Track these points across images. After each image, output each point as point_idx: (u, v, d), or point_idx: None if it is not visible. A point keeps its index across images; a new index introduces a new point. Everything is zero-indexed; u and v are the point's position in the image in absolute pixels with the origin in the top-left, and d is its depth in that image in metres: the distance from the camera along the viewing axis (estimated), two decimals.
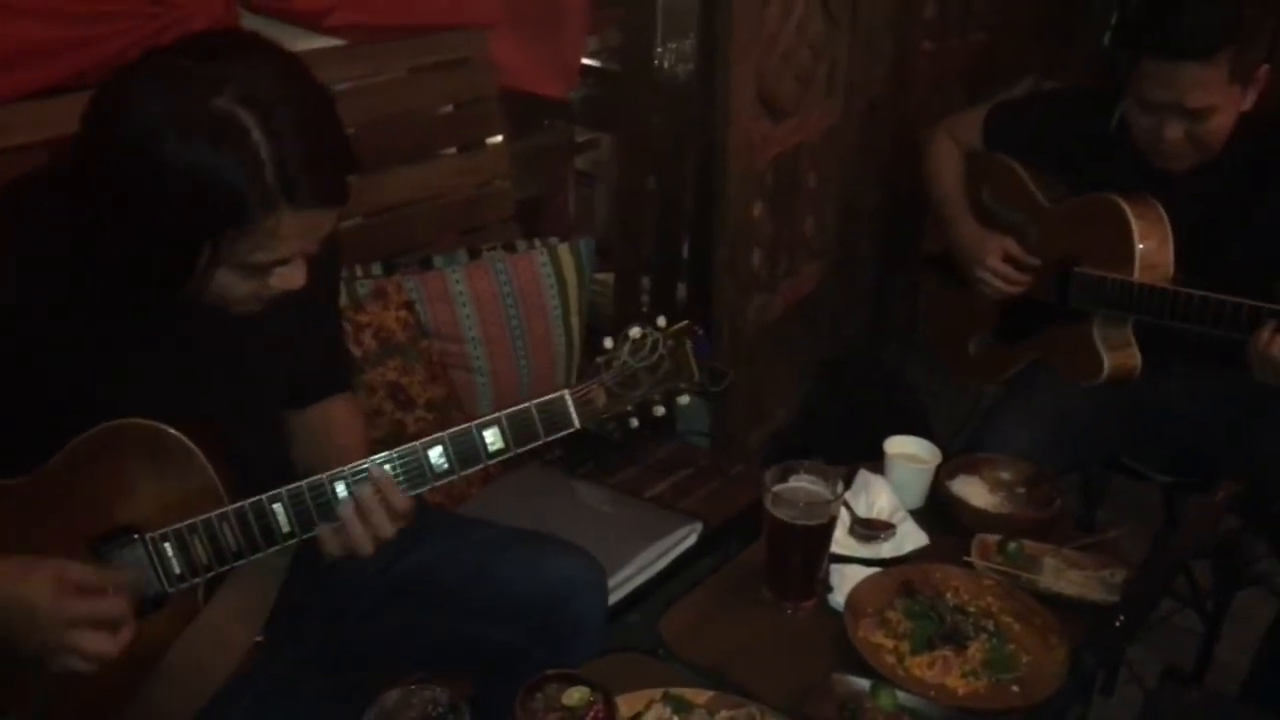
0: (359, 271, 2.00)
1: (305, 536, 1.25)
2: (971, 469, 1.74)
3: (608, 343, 1.24)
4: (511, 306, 2.10)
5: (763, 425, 2.86)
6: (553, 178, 3.04)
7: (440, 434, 1.24)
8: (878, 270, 3.23)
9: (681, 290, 2.91)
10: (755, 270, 2.67)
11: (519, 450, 1.25)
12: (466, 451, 1.24)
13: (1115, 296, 1.91)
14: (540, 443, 1.25)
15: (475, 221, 2.28)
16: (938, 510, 1.68)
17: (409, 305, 2.00)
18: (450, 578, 1.51)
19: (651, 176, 2.79)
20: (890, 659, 1.38)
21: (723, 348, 2.56)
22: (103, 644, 1.17)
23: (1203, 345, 1.83)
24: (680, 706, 1.28)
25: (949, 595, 1.48)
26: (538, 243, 2.17)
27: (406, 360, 1.96)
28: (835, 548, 1.53)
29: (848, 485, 1.66)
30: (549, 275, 2.14)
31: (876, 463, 1.72)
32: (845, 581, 1.50)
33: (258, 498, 1.23)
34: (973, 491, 1.70)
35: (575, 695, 1.21)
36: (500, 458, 1.25)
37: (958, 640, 1.40)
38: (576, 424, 1.24)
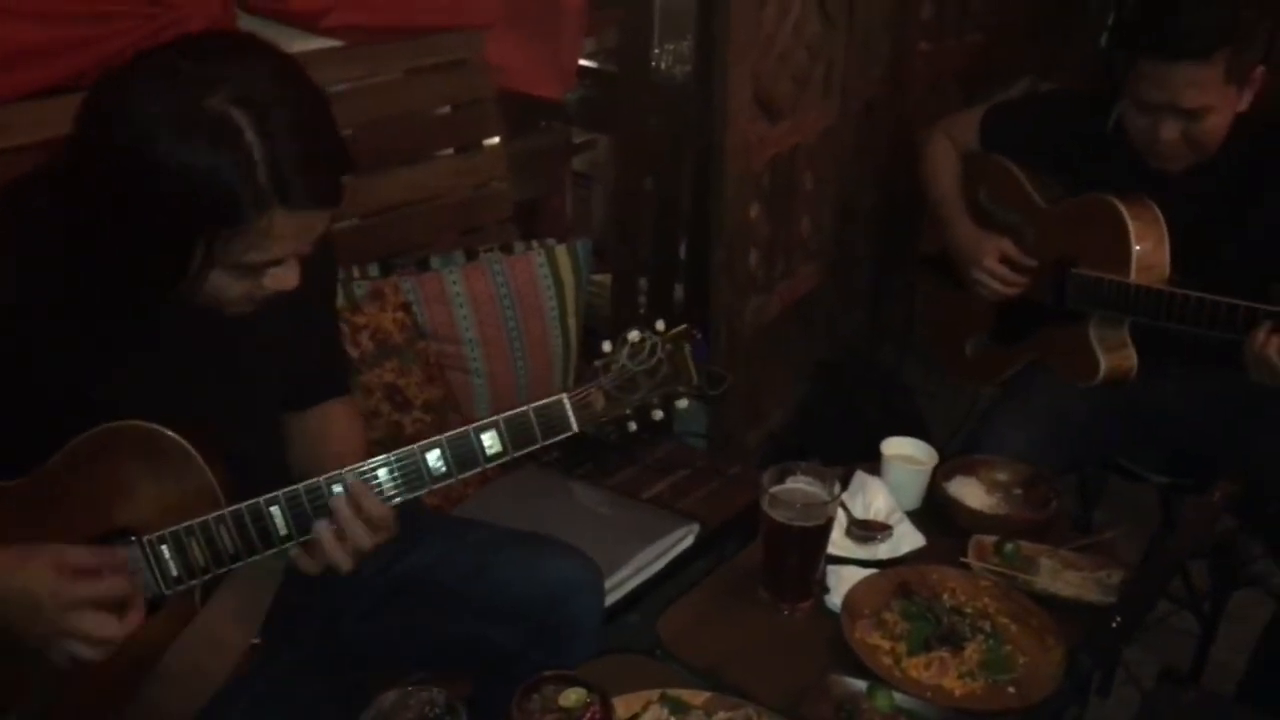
0: (356, 273, 2.00)
1: (302, 540, 1.24)
2: (968, 470, 1.74)
3: (606, 346, 1.24)
4: (509, 308, 2.10)
5: (760, 426, 2.86)
6: (550, 179, 3.04)
7: (438, 437, 1.24)
8: (874, 271, 3.23)
9: (679, 291, 2.92)
10: (752, 271, 2.67)
11: (517, 454, 1.24)
12: (464, 455, 1.24)
13: (1111, 297, 1.91)
14: (538, 446, 1.24)
15: (472, 223, 2.28)
16: (934, 511, 1.69)
17: (406, 306, 2.00)
18: (447, 579, 1.51)
19: (649, 178, 2.80)
20: (887, 660, 1.39)
21: (720, 349, 2.57)
22: (106, 626, 1.17)
23: (1199, 346, 1.83)
24: (677, 707, 1.28)
25: (946, 596, 1.48)
26: (535, 244, 2.17)
27: (403, 361, 1.96)
28: (832, 549, 1.54)
29: (844, 486, 1.66)
30: (546, 276, 2.14)
31: (873, 464, 1.72)
32: (842, 583, 1.51)
33: (255, 500, 1.22)
34: (969, 493, 1.70)
35: (572, 696, 1.21)
36: (498, 461, 1.25)
37: (954, 641, 1.40)
38: (574, 428, 1.23)
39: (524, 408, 1.23)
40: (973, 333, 2.27)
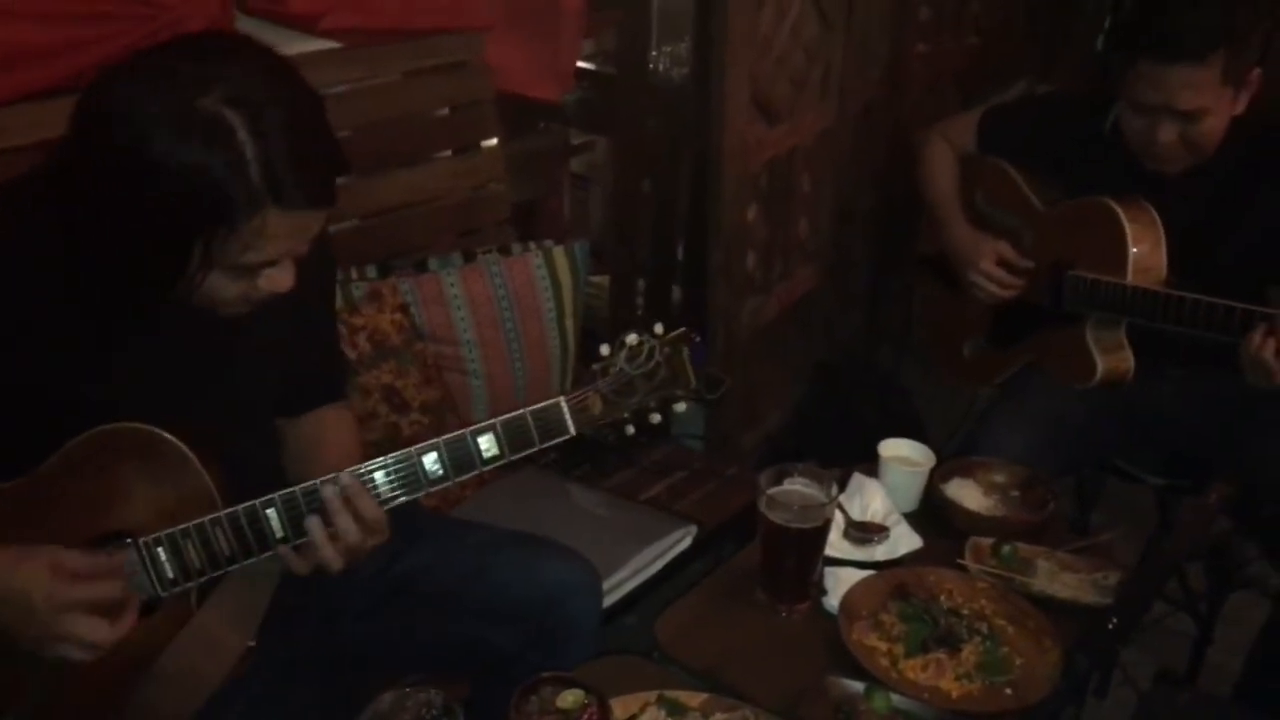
0: (354, 274, 2.00)
1: (298, 542, 1.24)
2: (965, 472, 1.74)
3: (604, 349, 1.24)
4: (506, 309, 2.10)
5: (757, 428, 2.86)
6: (548, 181, 3.04)
7: (435, 440, 1.24)
8: (872, 273, 3.23)
9: (676, 293, 2.92)
10: (750, 273, 2.68)
11: (514, 457, 1.24)
12: (461, 458, 1.24)
13: (1108, 299, 1.92)
14: (535, 449, 1.24)
15: (470, 224, 2.28)
16: (932, 513, 1.69)
17: (404, 308, 2.00)
18: (445, 580, 1.51)
19: (646, 179, 2.80)
20: (884, 662, 1.39)
21: (717, 350, 2.57)
22: (98, 630, 1.17)
23: (1195, 348, 1.84)
24: (674, 709, 1.28)
25: (943, 598, 1.48)
26: (533, 245, 2.17)
27: (401, 363, 1.96)
28: (829, 551, 1.54)
29: (842, 488, 1.66)
30: (544, 278, 2.14)
31: (870, 465, 1.72)
32: (839, 584, 1.51)
33: (251, 503, 1.22)
34: (966, 494, 1.70)
35: (570, 698, 1.21)
36: (495, 464, 1.25)
37: (951, 643, 1.40)
38: (572, 431, 1.23)
39: (521, 411, 1.23)
40: (970, 334, 2.27)
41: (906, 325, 2.86)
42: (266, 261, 1.17)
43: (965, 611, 1.46)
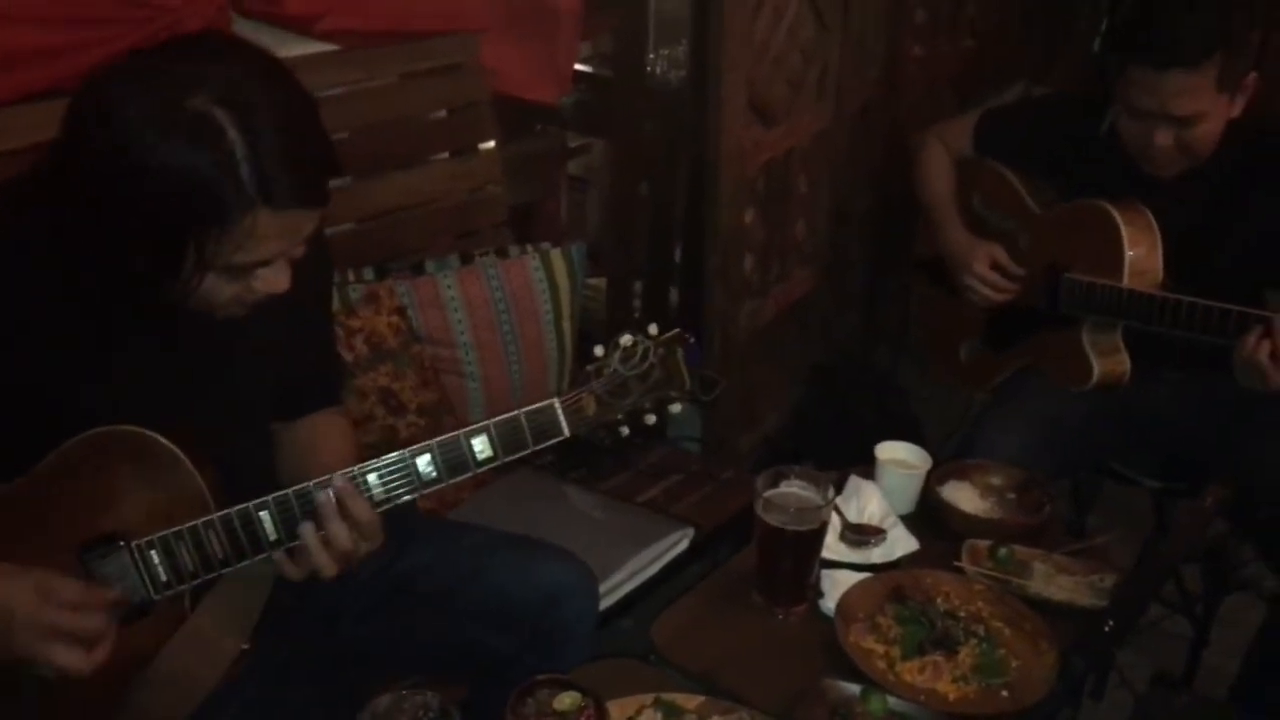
0: (351, 276, 2.00)
1: (291, 545, 1.24)
2: (962, 474, 1.74)
3: (598, 350, 1.24)
4: (503, 312, 2.10)
5: (754, 430, 2.86)
6: (545, 183, 3.04)
7: (428, 442, 1.23)
8: (869, 274, 3.24)
9: (673, 295, 2.92)
10: (747, 275, 2.68)
11: (508, 458, 1.24)
12: (455, 460, 1.23)
13: (1104, 302, 1.92)
14: (529, 451, 1.24)
15: (467, 227, 2.28)
16: (928, 516, 1.69)
17: (401, 310, 2.00)
18: (441, 583, 1.51)
19: (644, 182, 2.80)
20: (881, 664, 1.39)
21: (714, 353, 2.57)
22: (73, 659, 1.17)
23: (1191, 351, 1.84)
24: (671, 712, 1.28)
25: (939, 600, 1.48)
26: (530, 248, 2.17)
27: (398, 365, 1.96)
28: (826, 553, 1.54)
29: (838, 491, 1.66)
30: (541, 280, 2.15)
31: (867, 468, 1.72)
32: (836, 587, 1.51)
33: (244, 505, 1.22)
34: (963, 497, 1.70)
35: (566, 700, 1.21)
36: (489, 466, 1.24)
37: (948, 645, 1.40)
38: (566, 432, 1.23)
39: (515, 412, 1.23)
40: (967, 337, 2.27)
41: (903, 326, 2.86)
42: (259, 262, 1.17)
43: (962, 614, 1.46)
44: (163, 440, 1.21)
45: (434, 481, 1.24)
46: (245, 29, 1.79)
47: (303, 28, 1.92)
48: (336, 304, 1.86)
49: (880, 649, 1.41)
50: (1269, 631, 1.92)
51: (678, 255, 2.88)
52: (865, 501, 1.66)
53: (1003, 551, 1.57)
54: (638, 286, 2.91)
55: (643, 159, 2.76)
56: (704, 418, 2.65)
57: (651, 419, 1.25)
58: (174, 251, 1.12)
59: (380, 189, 2.14)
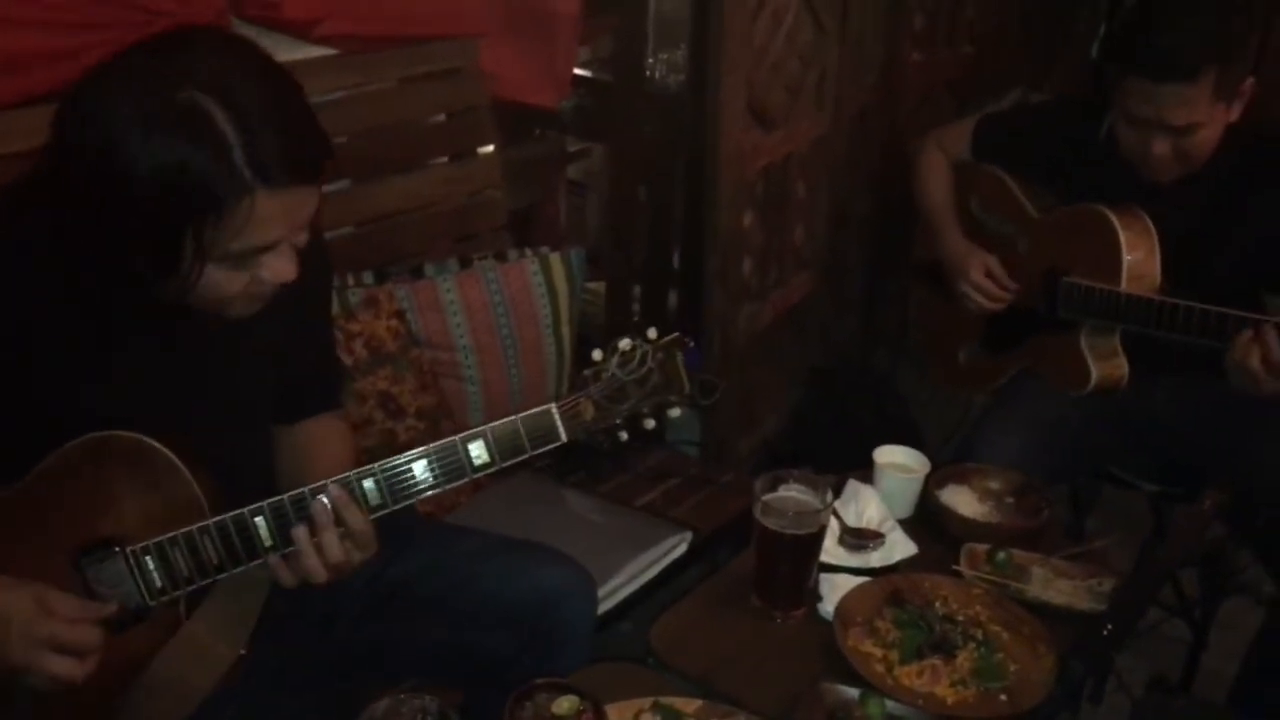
0: (350, 280, 2.00)
1: (287, 550, 1.24)
2: (960, 478, 1.74)
3: (596, 355, 1.23)
4: (502, 315, 2.10)
5: (753, 433, 2.86)
6: (544, 187, 3.05)
7: (425, 448, 1.23)
8: (868, 278, 3.24)
9: (672, 299, 2.92)
10: (746, 279, 2.68)
11: (505, 464, 1.23)
12: (452, 466, 1.23)
13: (1103, 306, 1.92)
14: (527, 456, 1.24)
15: (467, 230, 2.29)
16: (927, 519, 1.69)
17: (400, 314, 2.00)
18: (439, 586, 1.51)
19: (642, 186, 2.80)
20: (879, 668, 1.39)
21: (713, 356, 2.57)
22: (66, 668, 1.17)
23: (1189, 355, 1.84)
24: (670, 715, 1.28)
25: (938, 604, 1.48)
26: (529, 252, 2.18)
27: (397, 369, 1.96)
28: (825, 557, 1.54)
29: (837, 494, 1.66)
30: (540, 284, 2.15)
31: (866, 471, 1.73)
32: (834, 590, 1.51)
33: (239, 511, 1.22)
34: (961, 501, 1.70)
35: (565, 704, 1.21)
36: (486, 471, 1.24)
37: (946, 649, 1.40)
38: (564, 438, 1.22)
39: (512, 418, 1.22)
40: (966, 340, 2.27)
41: (902, 329, 2.86)
42: (261, 247, 1.16)
43: (960, 618, 1.46)
44: (158, 445, 1.21)
45: (431, 487, 1.23)
46: (243, 32, 1.79)
47: (301, 32, 1.92)
48: (336, 308, 1.86)
49: (878, 653, 1.41)
50: (1267, 635, 1.91)
51: (676, 259, 2.88)
52: (864, 505, 1.66)
53: (1001, 555, 1.57)
54: (637, 290, 2.92)
55: (642, 163, 2.76)
56: (703, 421, 2.65)
57: (651, 424, 1.25)
58: (173, 245, 1.11)
59: (379, 193, 2.14)
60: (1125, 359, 1.98)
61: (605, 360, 1.23)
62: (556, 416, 1.22)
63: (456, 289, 2.07)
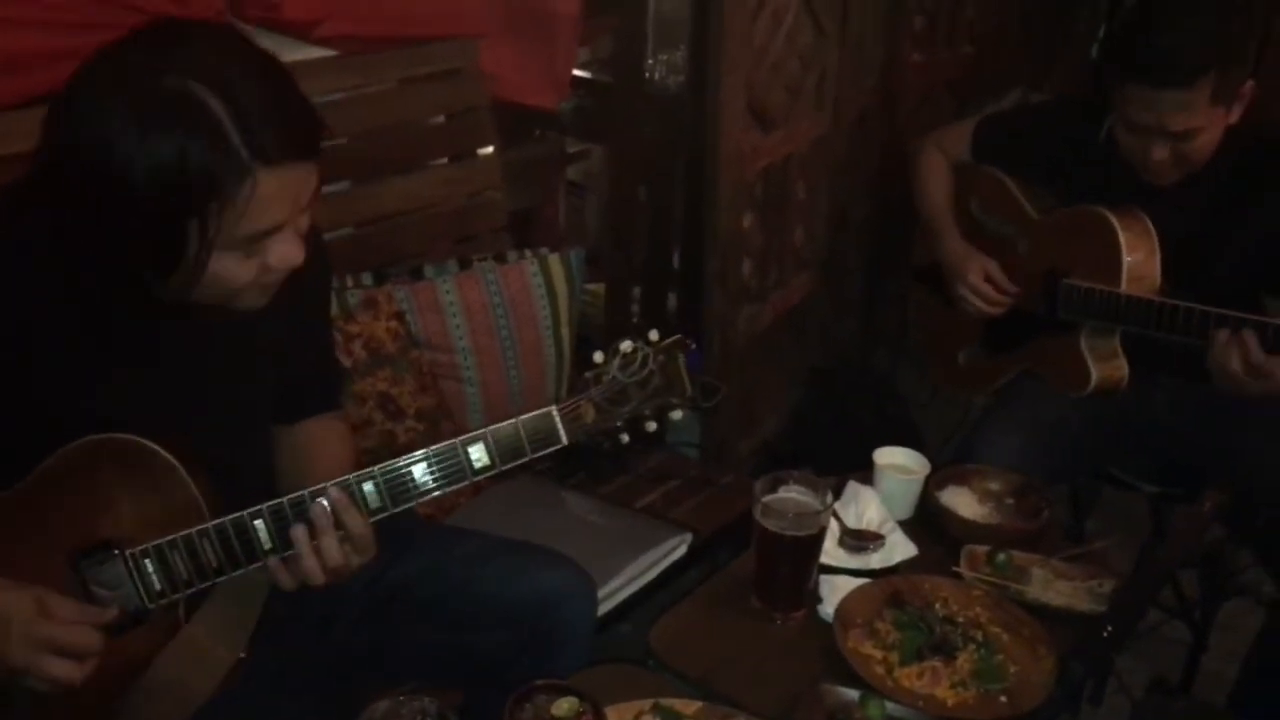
0: (349, 281, 2.00)
1: (286, 554, 1.23)
2: (960, 480, 1.74)
3: (597, 357, 1.22)
4: (502, 317, 2.10)
5: (753, 435, 2.86)
6: (544, 188, 3.04)
7: (424, 450, 1.23)
8: (867, 279, 3.24)
9: (672, 300, 2.92)
10: (745, 280, 2.68)
11: (505, 467, 1.23)
12: (452, 468, 1.23)
13: (1103, 308, 1.92)
14: (528, 458, 1.23)
15: (466, 232, 2.29)
16: (927, 521, 1.69)
17: (399, 315, 2.00)
18: (439, 588, 1.51)
19: (642, 187, 2.80)
20: (879, 669, 1.39)
21: (713, 357, 2.57)
22: (65, 670, 1.17)
23: (1189, 356, 1.84)
24: (669, 717, 1.28)
25: (938, 606, 1.48)
26: (528, 253, 2.17)
27: (396, 370, 1.96)
28: (824, 558, 1.54)
29: (837, 496, 1.66)
30: (539, 285, 2.15)
31: (866, 473, 1.73)
32: (834, 592, 1.51)
33: (239, 514, 1.21)
34: (961, 502, 1.70)
35: (564, 706, 1.21)
36: (486, 474, 1.24)
37: (946, 651, 1.40)
38: (564, 441, 1.22)
39: (512, 420, 1.22)
40: (965, 342, 2.27)
41: (902, 330, 2.86)
42: (268, 230, 1.15)
43: (960, 619, 1.46)
44: (157, 448, 1.21)
45: (430, 490, 1.23)
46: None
47: (301, 33, 1.92)
48: (335, 309, 1.86)
49: (878, 654, 1.41)
50: (1267, 637, 1.91)
51: (676, 260, 2.89)
52: (864, 507, 1.66)
53: (1001, 557, 1.57)
54: (636, 291, 2.92)
55: (641, 164, 2.76)
56: (703, 423, 2.65)
57: (652, 426, 1.24)
58: (176, 239, 1.11)
59: (379, 194, 2.14)
60: (1125, 360, 1.98)
61: (606, 362, 1.22)
62: (557, 419, 1.22)
63: (456, 290, 2.07)
